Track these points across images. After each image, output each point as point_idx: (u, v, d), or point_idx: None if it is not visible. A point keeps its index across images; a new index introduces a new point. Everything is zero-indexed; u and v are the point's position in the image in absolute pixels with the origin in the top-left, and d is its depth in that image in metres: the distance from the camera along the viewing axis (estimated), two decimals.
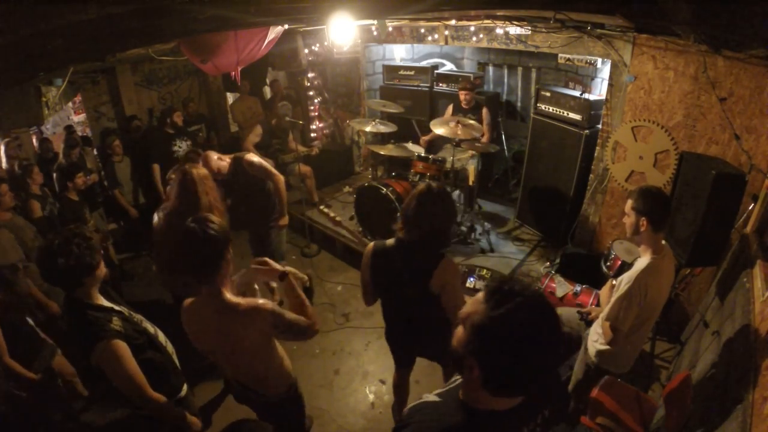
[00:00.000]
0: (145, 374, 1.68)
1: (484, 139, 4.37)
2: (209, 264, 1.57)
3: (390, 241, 2.01)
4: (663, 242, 2.02)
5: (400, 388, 2.57)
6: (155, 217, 2.70)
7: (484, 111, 4.44)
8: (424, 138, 4.76)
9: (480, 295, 0.95)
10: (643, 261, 1.98)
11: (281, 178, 3.34)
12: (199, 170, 2.66)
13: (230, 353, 1.70)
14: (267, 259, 1.83)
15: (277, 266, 1.78)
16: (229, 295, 1.61)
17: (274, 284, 3.50)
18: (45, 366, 2.60)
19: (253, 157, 3.22)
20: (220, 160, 3.16)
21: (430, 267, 1.90)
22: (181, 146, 4.82)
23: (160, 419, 1.78)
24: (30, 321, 2.66)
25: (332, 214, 3.11)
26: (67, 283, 1.67)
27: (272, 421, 2.00)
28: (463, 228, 4.29)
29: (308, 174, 5.17)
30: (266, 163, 3.28)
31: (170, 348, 1.97)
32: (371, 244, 2.06)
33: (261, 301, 1.64)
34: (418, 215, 1.88)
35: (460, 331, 0.97)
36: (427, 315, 2.05)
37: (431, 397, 1.13)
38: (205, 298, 1.62)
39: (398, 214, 1.99)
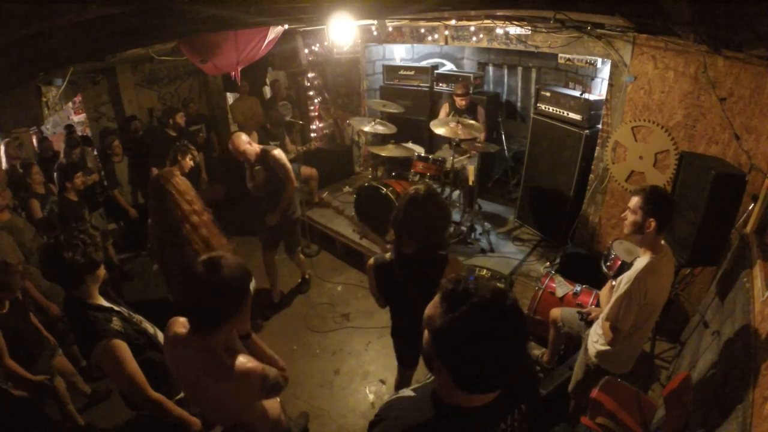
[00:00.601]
0: (145, 374, 1.68)
1: (480, 138, 4.37)
2: (211, 317, 1.34)
3: (388, 255, 1.97)
4: (662, 242, 2.02)
5: (403, 386, 2.55)
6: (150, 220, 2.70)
7: (479, 110, 4.43)
8: (442, 113, 4.60)
9: (437, 297, 0.95)
10: (642, 261, 1.98)
11: (295, 185, 3.52)
12: (177, 178, 2.52)
13: (210, 406, 1.55)
14: None
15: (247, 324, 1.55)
16: (222, 355, 1.39)
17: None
18: (46, 367, 2.61)
19: (281, 155, 3.42)
20: (249, 145, 3.36)
21: (434, 272, 1.85)
22: None
23: (160, 419, 1.77)
24: (34, 319, 2.67)
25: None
26: (69, 279, 1.67)
27: None
28: (463, 228, 4.29)
29: (313, 176, 5.17)
30: (290, 167, 3.46)
31: None
32: (372, 259, 2.02)
33: (251, 365, 1.42)
34: (409, 226, 1.84)
35: (426, 334, 0.98)
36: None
37: (407, 392, 1.14)
38: (196, 343, 1.39)
39: (389, 223, 1.93)
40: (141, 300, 4.06)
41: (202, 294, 1.32)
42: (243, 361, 1.41)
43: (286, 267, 4.29)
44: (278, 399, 1.78)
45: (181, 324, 1.49)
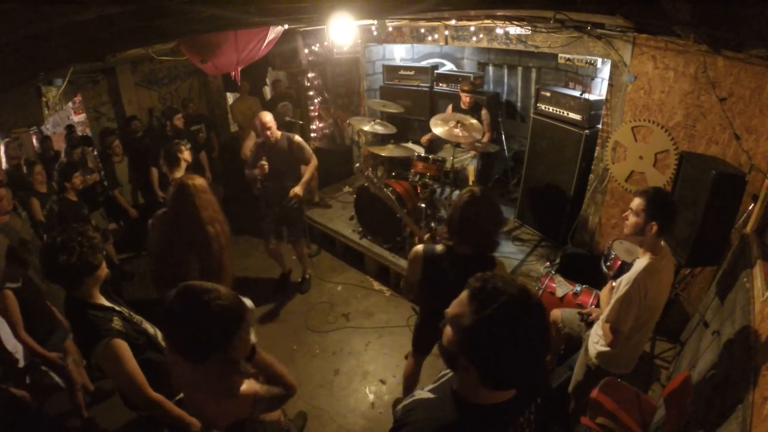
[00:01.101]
0: (145, 374, 1.68)
1: (485, 139, 4.37)
2: (200, 349, 1.26)
3: (440, 248, 1.98)
4: (662, 243, 2.01)
5: (414, 376, 2.61)
6: (150, 225, 2.62)
7: (484, 111, 4.44)
8: (425, 137, 4.76)
9: (464, 296, 0.95)
10: (642, 262, 1.98)
11: (316, 163, 3.70)
12: (196, 181, 2.44)
13: (203, 415, 1.53)
14: None
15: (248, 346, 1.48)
16: (215, 376, 1.36)
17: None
18: (58, 348, 2.67)
19: (302, 140, 3.64)
20: (273, 123, 3.50)
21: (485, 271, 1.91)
22: None
23: (160, 419, 1.77)
24: (48, 304, 2.73)
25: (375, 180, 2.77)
26: (67, 281, 1.67)
27: None
28: None
29: (314, 175, 5.17)
30: (308, 147, 3.66)
31: None
32: (420, 247, 2.02)
33: (244, 387, 1.38)
34: (465, 229, 1.84)
35: (449, 331, 0.98)
36: None
37: (424, 394, 1.13)
38: (196, 367, 1.35)
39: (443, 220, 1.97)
40: (141, 300, 4.06)
41: (181, 327, 1.25)
42: (236, 384, 1.37)
43: (289, 265, 4.30)
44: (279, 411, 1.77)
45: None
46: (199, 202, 2.30)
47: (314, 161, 3.65)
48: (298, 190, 3.59)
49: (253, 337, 1.45)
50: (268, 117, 3.48)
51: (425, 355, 2.56)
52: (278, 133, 3.54)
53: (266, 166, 3.48)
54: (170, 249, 2.33)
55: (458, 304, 0.96)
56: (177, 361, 1.36)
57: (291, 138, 3.57)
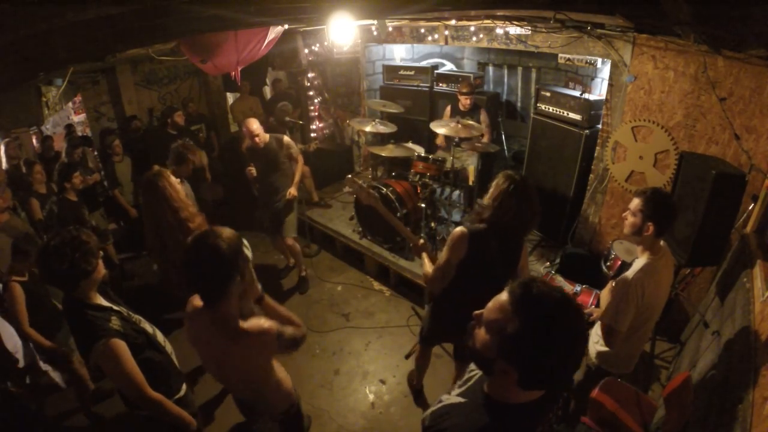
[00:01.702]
0: (144, 374, 1.68)
1: (485, 140, 4.37)
2: (216, 287, 1.44)
3: (481, 226, 2.05)
4: (661, 243, 2.01)
5: (426, 359, 2.82)
6: None
7: (482, 113, 4.44)
8: (440, 138, 4.69)
9: (505, 300, 0.94)
10: (640, 262, 1.98)
11: (302, 161, 3.85)
12: (169, 179, 2.58)
13: (230, 373, 1.68)
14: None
15: (257, 288, 1.73)
16: (236, 320, 1.51)
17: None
18: (64, 345, 2.69)
19: (290, 141, 3.78)
20: (260, 129, 3.60)
21: (517, 253, 2.11)
22: None
23: (159, 419, 1.77)
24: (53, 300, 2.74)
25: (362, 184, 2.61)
26: (63, 285, 1.67)
27: None
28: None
29: (306, 174, 5.17)
30: (296, 148, 3.81)
31: (169, 348, 1.97)
32: (462, 228, 2.07)
33: (266, 324, 1.54)
34: (517, 209, 1.95)
35: (483, 336, 0.97)
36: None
37: (453, 398, 1.13)
38: (207, 318, 1.52)
39: (484, 199, 2.06)
40: (141, 300, 4.06)
41: (199, 267, 1.42)
42: (257, 321, 1.54)
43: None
44: (289, 378, 1.92)
45: (193, 308, 1.60)
46: (168, 193, 2.52)
47: (301, 159, 3.83)
48: (292, 191, 3.74)
49: (258, 286, 1.70)
50: (254, 125, 3.57)
51: (432, 346, 2.74)
52: (266, 137, 3.63)
53: (254, 171, 3.70)
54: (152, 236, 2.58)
55: (498, 309, 0.95)
56: (204, 317, 1.52)
57: (279, 139, 3.70)
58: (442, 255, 2.14)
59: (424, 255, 2.30)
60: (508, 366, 0.93)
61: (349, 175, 2.60)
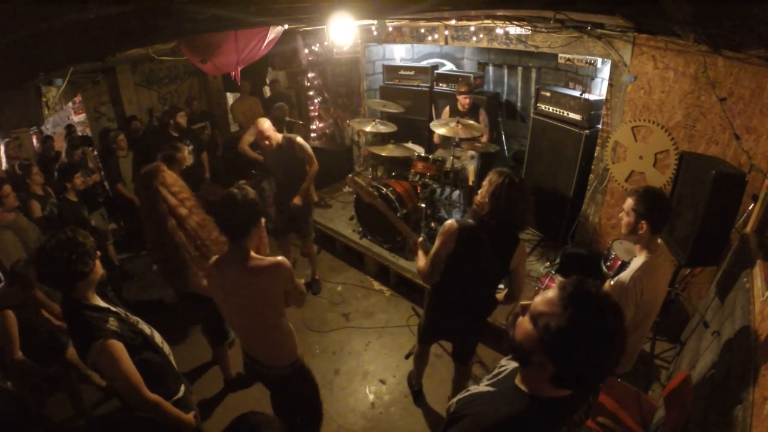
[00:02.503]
0: (142, 375, 1.67)
1: (484, 139, 4.37)
2: (243, 226, 1.80)
3: (472, 221, 2.07)
4: (659, 241, 2.02)
5: (424, 359, 2.84)
6: None
7: (482, 113, 4.43)
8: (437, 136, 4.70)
9: (554, 295, 0.96)
10: (638, 260, 1.98)
11: (316, 166, 3.67)
12: (164, 173, 2.58)
13: (250, 317, 1.93)
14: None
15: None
16: (255, 255, 1.86)
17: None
18: (62, 359, 2.67)
19: (304, 141, 3.60)
20: (273, 131, 3.49)
21: (511, 248, 2.07)
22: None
23: (157, 420, 1.77)
24: (45, 313, 2.71)
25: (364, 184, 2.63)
26: (60, 286, 1.67)
27: (285, 399, 2.25)
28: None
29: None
30: (309, 148, 3.64)
31: (167, 349, 1.96)
32: (453, 221, 2.08)
33: (280, 258, 1.88)
34: (508, 206, 1.95)
35: (528, 328, 0.98)
36: (488, 296, 2.24)
37: (482, 387, 1.15)
38: (233, 256, 1.85)
39: (478, 197, 2.05)
40: (141, 300, 4.06)
41: (232, 210, 1.79)
42: (272, 257, 1.88)
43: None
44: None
45: (216, 258, 1.93)
46: (161, 193, 2.51)
47: (315, 166, 3.64)
48: (296, 201, 3.61)
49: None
50: (266, 124, 3.46)
51: (429, 344, 2.75)
52: (278, 137, 3.52)
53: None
54: (154, 231, 2.57)
55: (547, 302, 0.96)
56: (226, 263, 1.87)
57: (293, 139, 3.56)
58: (433, 247, 2.17)
59: (420, 252, 2.31)
60: (545, 359, 0.94)
61: (350, 174, 2.61)
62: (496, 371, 1.21)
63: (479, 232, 2.03)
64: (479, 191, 2.05)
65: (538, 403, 1.03)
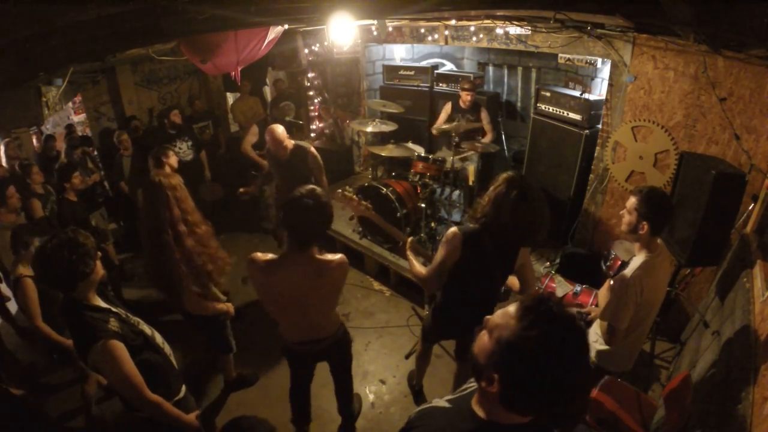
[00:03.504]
0: (143, 376, 1.67)
1: (487, 138, 4.37)
2: (316, 232, 1.84)
3: (473, 226, 2.03)
4: (658, 241, 2.02)
5: (426, 359, 2.83)
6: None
7: (483, 111, 4.44)
8: (440, 119, 4.63)
9: (512, 309, 0.91)
10: (637, 260, 1.98)
11: (324, 173, 3.57)
12: (170, 180, 2.43)
13: (311, 306, 1.99)
14: None
15: None
16: (317, 257, 1.89)
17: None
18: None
19: (316, 152, 3.50)
20: (287, 138, 3.36)
21: (515, 251, 2.09)
22: (182, 147, 4.81)
23: (158, 421, 1.77)
24: None
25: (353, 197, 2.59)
26: (60, 287, 1.67)
27: (332, 362, 2.40)
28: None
29: None
30: (320, 159, 3.54)
31: (167, 349, 1.96)
32: (456, 230, 2.04)
33: (339, 255, 1.94)
34: (513, 218, 1.85)
35: (485, 341, 0.93)
36: (494, 298, 2.24)
37: (441, 402, 1.11)
38: (295, 259, 1.86)
39: (483, 199, 1.99)
40: (141, 300, 4.06)
41: (307, 217, 1.77)
42: (332, 256, 1.93)
43: None
44: None
45: (262, 255, 1.92)
46: (169, 202, 2.34)
47: (324, 174, 3.52)
48: None
49: None
50: (279, 129, 3.31)
51: (432, 344, 2.76)
52: (291, 143, 3.39)
53: (248, 191, 3.54)
54: (150, 240, 2.39)
55: (504, 315, 0.92)
56: (288, 264, 1.87)
57: (306, 149, 3.43)
58: (437, 256, 2.12)
59: (411, 255, 2.31)
60: (493, 374, 0.89)
61: (339, 190, 2.55)
62: (464, 386, 1.16)
63: (483, 237, 1.99)
64: (485, 193, 1.97)
65: (488, 427, 0.96)
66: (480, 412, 0.99)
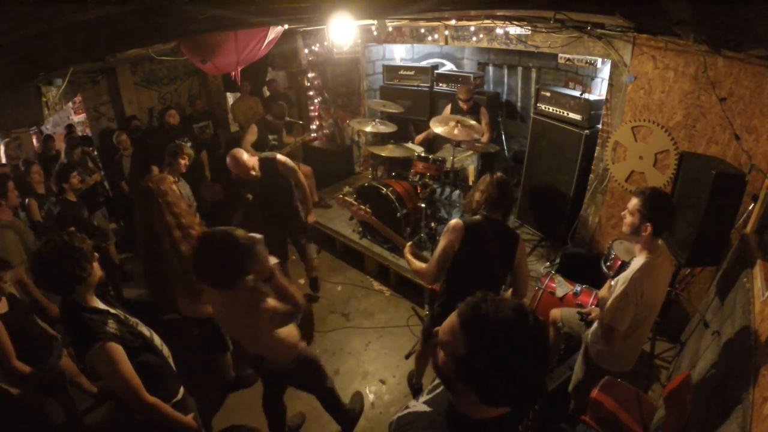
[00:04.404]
0: (141, 378, 1.67)
1: (485, 139, 4.37)
2: (226, 279, 1.70)
3: (477, 218, 2.19)
4: (659, 242, 2.01)
5: (426, 358, 2.80)
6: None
7: (483, 111, 4.44)
8: (419, 137, 4.77)
9: (453, 320, 0.91)
10: (638, 261, 1.98)
11: (303, 180, 3.44)
12: (160, 185, 2.45)
13: (242, 336, 2.03)
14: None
15: (267, 269, 1.83)
16: (244, 297, 1.78)
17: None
18: (55, 365, 2.58)
19: (285, 158, 3.32)
20: (251, 157, 3.16)
21: (513, 245, 2.20)
22: None
23: (156, 423, 1.77)
24: (38, 320, 2.65)
25: (353, 202, 2.62)
26: (58, 291, 1.68)
27: (295, 386, 2.37)
28: None
29: (308, 173, 5.16)
30: (291, 162, 3.36)
31: (166, 351, 1.95)
32: (458, 220, 2.16)
33: (263, 304, 1.82)
34: (503, 199, 2.18)
35: (442, 357, 0.94)
36: (497, 291, 2.29)
37: (419, 406, 1.11)
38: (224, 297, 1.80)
39: (471, 192, 2.28)
40: (140, 300, 4.06)
41: (208, 266, 1.68)
42: (258, 302, 1.82)
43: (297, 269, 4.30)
44: (296, 332, 2.17)
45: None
46: (160, 208, 2.39)
47: (300, 174, 3.40)
48: (311, 218, 3.54)
49: (272, 260, 1.83)
50: (242, 156, 3.06)
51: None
52: (255, 162, 3.15)
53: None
54: (146, 246, 2.49)
55: (449, 330, 0.92)
56: (212, 293, 1.80)
57: (273, 159, 3.27)
58: (439, 245, 2.20)
59: (410, 257, 2.36)
60: (466, 387, 0.91)
61: (339, 195, 2.59)
62: (435, 383, 1.16)
63: (485, 228, 2.11)
64: (473, 194, 2.23)
65: (475, 426, 0.98)
66: (463, 413, 1.00)
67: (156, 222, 2.38)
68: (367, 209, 2.53)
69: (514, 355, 0.85)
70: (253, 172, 3.10)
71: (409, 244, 2.43)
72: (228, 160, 3.09)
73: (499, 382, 0.87)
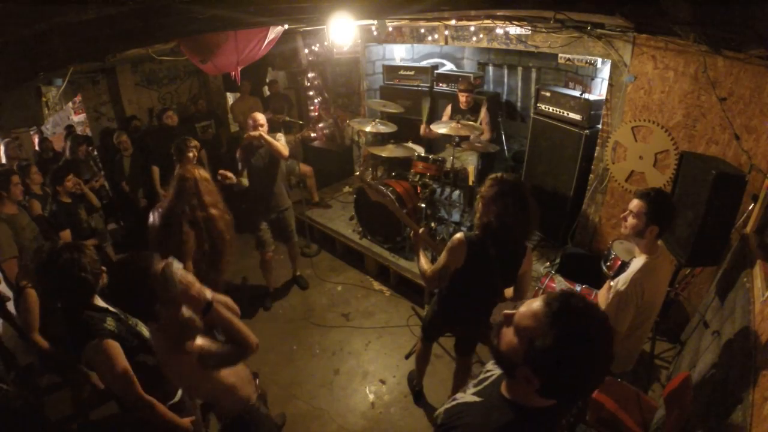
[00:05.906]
0: (138, 378, 1.67)
1: (485, 137, 4.37)
2: (137, 311, 1.57)
3: (477, 233, 2.10)
4: (659, 242, 2.01)
5: (426, 358, 2.85)
6: (150, 216, 2.70)
7: (483, 110, 4.44)
8: (424, 129, 4.71)
9: (540, 308, 0.93)
10: (638, 261, 1.97)
11: (285, 154, 3.52)
12: (200, 172, 2.63)
13: (175, 375, 1.70)
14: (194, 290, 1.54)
15: (205, 295, 1.53)
16: (172, 333, 1.51)
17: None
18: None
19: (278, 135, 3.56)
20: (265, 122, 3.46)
21: (517, 259, 2.12)
22: None
23: (150, 422, 1.77)
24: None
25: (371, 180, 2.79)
26: (69, 304, 1.72)
27: None
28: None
29: (309, 173, 5.17)
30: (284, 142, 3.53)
31: None
32: (461, 235, 2.12)
33: (190, 343, 1.54)
34: (510, 215, 1.97)
35: (513, 340, 0.96)
36: (496, 297, 2.27)
37: (468, 397, 1.13)
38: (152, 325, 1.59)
39: (478, 207, 2.10)
40: None
41: (117, 294, 1.52)
42: (183, 340, 1.52)
43: (285, 268, 4.30)
44: (254, 381, 1.90)
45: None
46: (202, 188, 2.54)
47: (282, 151, 3.45)
48: (260, 134, 3.45)
49: (208, 294, 1.53)
50: (261, 116, 3.48)
51: (432, 342, 2.78)
52: (265, 126, 3.48)
53: (229, 175, 3.37)
54: (168, 231, 2.51)
55: (531, 316, 0.93)
56: (152, 329, 1.60)
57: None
58: (440, 259, 2.19)
59: (421, 253, 2.35)
60: (531, 374, 0.93)
61: (357, 174, 2.72)
62: (482, 376, 1.19)
63: (487, 244, 2.05)
64: (478, 197, 2.10)
65: (527, 414, 1.01)
66: (517, 401, 1.03)
67: (187, 204, 2.49)
68: (387, 192, 2.58)
69: (593, 353, 0.89)
70: (262, 129, 3.40)
71: (422, 231, 2.42)
72: (249, 119, 3.50)
73: (571, 376, 0.90)
